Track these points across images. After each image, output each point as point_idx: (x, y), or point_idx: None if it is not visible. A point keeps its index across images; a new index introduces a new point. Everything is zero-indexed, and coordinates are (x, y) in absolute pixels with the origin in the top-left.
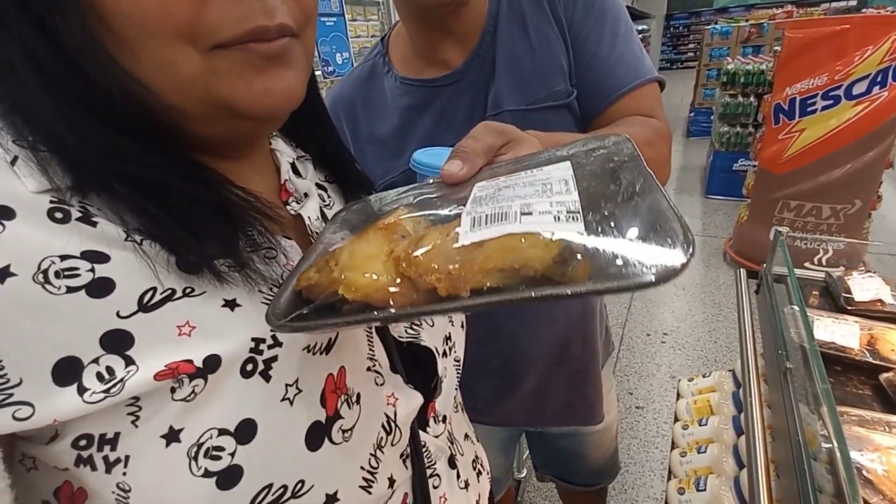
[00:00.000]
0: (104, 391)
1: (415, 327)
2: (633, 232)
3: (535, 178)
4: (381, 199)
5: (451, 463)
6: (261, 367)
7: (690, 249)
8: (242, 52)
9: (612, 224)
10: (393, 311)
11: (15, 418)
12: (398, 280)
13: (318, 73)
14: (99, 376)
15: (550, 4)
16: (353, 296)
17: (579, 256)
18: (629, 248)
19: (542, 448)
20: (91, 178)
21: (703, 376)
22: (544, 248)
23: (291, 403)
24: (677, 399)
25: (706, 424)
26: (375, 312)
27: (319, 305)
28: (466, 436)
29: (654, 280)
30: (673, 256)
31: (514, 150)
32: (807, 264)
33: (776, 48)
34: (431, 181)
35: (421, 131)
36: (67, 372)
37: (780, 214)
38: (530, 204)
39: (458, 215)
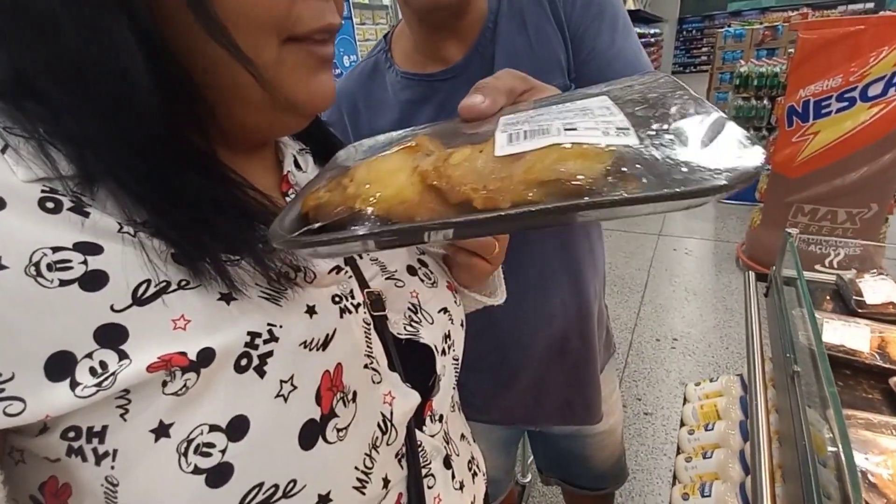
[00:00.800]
0: (96, 385)
1: (414, 324)
2: (694, 141)
3: (570, 107)
4: (377, 140)
5: (447, 463)
6: (255, 362)
7: (762, 151)
8: (306, 52)
9: (669, 138)
10: (421, 222)
11: (6, 414)
12: (426, 193)
13: None
14: (92, 371)
15: (549, 1)
16: (374, 209)
17: (637, 166)
18: (692, 154)
19: (544, 449)
20: (102, 169)
21: (711, 380)
22: (595, 158)
23: (286, 400)
24: (684, 403)
25: (712, 429)
26: (399, 225)
27: (331, 224)
28: (463, 436)
29: (727, 183)
30: (744, 158)
31: (535, 96)
32: (818, 267)
33: (790, 50)
34: (449, 120)
35: (420, 124)
36: (60, 367)
37: (795, 219)
38: (573, 123)
39: (488, 137)
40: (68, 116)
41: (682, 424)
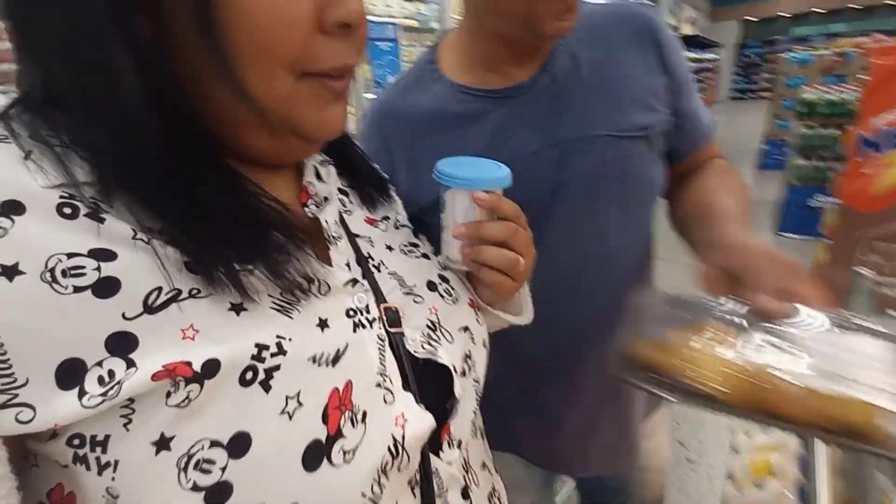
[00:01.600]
0: (101, 394)
1: (432, 343)
2: None
3: (858, 345)
4: (696, 302)
5: (465, 494)
6: (261, 376)
7: None
8: (321, 86)
9: None
10: (728, 406)
11: (18, 420)
12: (729, 382)
13: (369, 95)
14: (100, 380)
15: (654, 45)
16: (689, 381)
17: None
18: None
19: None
20: (116, 177)
21: (765, 432)
22: (867, 413)
23: (290, 418)
24: (732, 454)
25: (763, 488)
26: (709, 401)
27: (653, 378)
28: (484, 465)
29: None
30: None
31: (800, 295)
32: (890, 311)
33: (861, 77)
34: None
35: (476, 141)
36: (71, 374)
37: (864, 257)
38: (858, 374)
39: (773, 345)
40: (82, 127)
41: (730, 478)
